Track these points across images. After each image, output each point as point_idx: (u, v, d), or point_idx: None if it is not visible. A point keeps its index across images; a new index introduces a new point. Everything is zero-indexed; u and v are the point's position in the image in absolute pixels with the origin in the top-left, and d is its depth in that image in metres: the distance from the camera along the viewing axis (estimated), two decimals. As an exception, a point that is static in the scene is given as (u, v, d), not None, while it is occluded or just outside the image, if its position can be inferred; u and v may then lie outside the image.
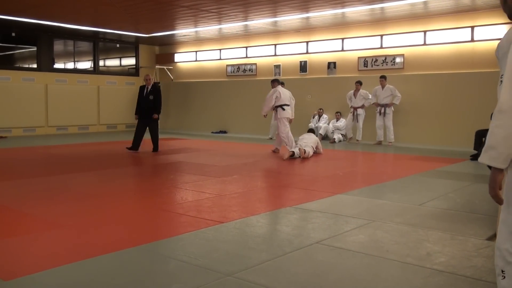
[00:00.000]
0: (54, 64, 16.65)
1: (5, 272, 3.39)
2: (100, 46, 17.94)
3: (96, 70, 17.63)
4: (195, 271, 3.41)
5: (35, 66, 16.25)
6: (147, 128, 11.14)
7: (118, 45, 18.70)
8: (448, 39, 12.25)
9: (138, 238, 4.26)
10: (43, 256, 3.79)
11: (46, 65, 16.30)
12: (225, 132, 17.04)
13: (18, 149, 11.63)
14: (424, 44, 12.66)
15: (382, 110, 12.63)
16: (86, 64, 17.85)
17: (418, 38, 12.75)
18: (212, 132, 17.22)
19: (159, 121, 11.43)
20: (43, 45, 16.30)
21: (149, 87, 11.07)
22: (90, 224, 4.79)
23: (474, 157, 9.47)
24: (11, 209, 5.38)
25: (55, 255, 3.81)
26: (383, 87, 12.62)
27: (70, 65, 17.44)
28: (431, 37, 12.52)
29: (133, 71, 19.01)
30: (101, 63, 18.09)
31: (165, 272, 3.44)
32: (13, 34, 15.21)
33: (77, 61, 17.76)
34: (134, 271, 3.44)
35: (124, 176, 7.83)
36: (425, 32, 12.59)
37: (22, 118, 15.45)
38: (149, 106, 10.99)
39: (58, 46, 17.16)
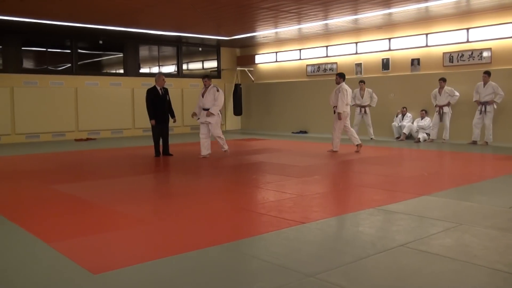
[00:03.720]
0: (140, 69, 17.35)
1: (94, 266, 3.57)
2: (183, 50, 18.48)
3: (179, 73, 18.18)
4: (276, 271, 3.43)
5: (122, 71, 17.02)
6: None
7: (200, 49, 19.16)
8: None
9: (221, 236, 4.34)
10: (130, 252, 3.95)
11: (132, 70, 17.03)
12: (305, 132, 17.01)
13: (106, 150, 12.22)
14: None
15: (483, 108, 12.00)
16: (170, 68, 18.44)
17: (506, 30, 12.07)
18: (293, 132, 17.24)
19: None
20: (129, 51, 17.04)
21: (162, 89, 10.37)
22: (174, 222, 4.95)
23: None
24: (101, 207, 5.66)
25: (141, 251, 3.97)
26: (485, 83, 11.90)
27: (155, 70, 18.09)
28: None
29: (215, 74, 19.40)
30: (184, 66, 18.64)
31: (247, 271, 3.49)
32: (101, 42, 15.98)
33: (162, 65, 18.39)
34: (217, 270, 3.51)
35: (207, 176, 8.02)
36: (515, 23, 11.93)
37: (110, 121, 16.26)
38: (165, 110, 10.39)
39: (143, 51, 17.86)
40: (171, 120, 10.48)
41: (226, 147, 10.63)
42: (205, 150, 10.23)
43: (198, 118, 10.32)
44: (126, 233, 4.57)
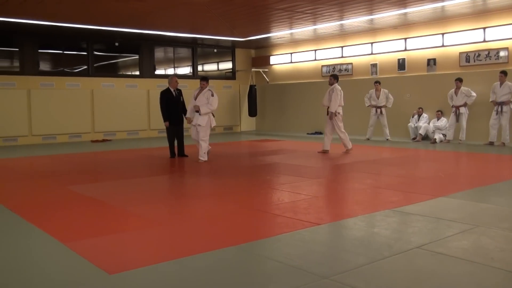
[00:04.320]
0: (155, 70, 17.44)
1: (110, 266, 3.60)
2: (198, 51, 18.55)
3: (195, 74, 18.24)
4: (291, 272, 3.42)
5: (137, 73, 17.12)
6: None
7: (215, 50, 19.21)
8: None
9: (236, 237, 4.35)
10: (145, 252, 3.98)
11: (148, 71, 17.13)
12: (320, 133, 16.95)
13: (122, 151, 12.31)
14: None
15: (499, 109, 11.84)
16: (186, 70, 18.51)
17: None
18: (308, 133, 17.20)
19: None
20: (145, 53, 17.14)
21: (175, 91, 10.35)
22: (189, 223, 4.97)
23: None
24: (116, 207, 5.71)
25: (156, 252, 3.99)
26: (501, 83, 11.75)
27: (170, 71, 18.16)
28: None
29: (230, 75, 19.44)
30: (199, 68, 18.70)
31: (262, 272, 3.49)
32: (117, 44, 16.10)
33: (177, 67, 18.47)
34: (231, 270, 3.52)
35: (222, 177, 8.03)
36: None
37: (125, 122, 16.36)
38: (179, 111, 10.38)
39: (158, 53, 17.95)
40: (185, 121, 10.50)
41: (204, 158, 9.79)
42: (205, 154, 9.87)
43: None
44: (141, 233, 4.59)
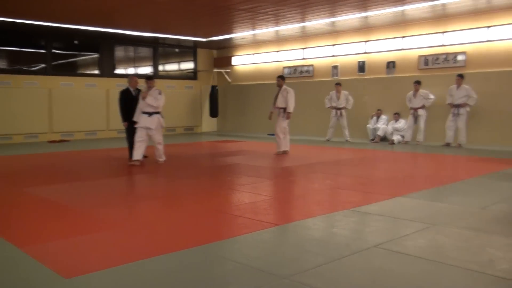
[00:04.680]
0: (115, 70, 17.18)
1: (66, 270, 3.51)
2: (160, 51, 18.37)
3: (156, 74, 18.05)
4: (251, 273, 3.42)
5: (97, 72, 16.83)
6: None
7: (177, 50, 19.07)
8: (513, 35, 11.75)
9: (196, 239, 4.31)
10: (103, 255, 3.90)
11: (107, 71, 16.85)
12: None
13: (80, 152, 12.07)
14: (488, 40, 12.18)
15: (456, 111, 12.13)
16: (146, 69, 18.30)
17: (481, 34, 12.26)
18: (269, 134, 17.23)
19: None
20: (105, 52, 16.86)
21: (135, 91, 9.97)
22: (149, 224, 4.90)
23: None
24: (73, 210, 5.58)
25: (115, 255, 3.92)
26: (458, 86, 12.07)
27: (130, 71, 17.92)
28: (495, 32, 12.02)
29: (192, 75, 19.33)
30: (160, 67, 18.52)
31: (222, 274, 3.47)
32: (76, 42, 15.78)
33: (137, 66, 18.23)
34: (191, 272, 3.48)
35: (182, 178, 7.96)
36: (488, 27, 12.11)
37: (84, 122, 16.03)
38: None
39: (119, 52, 17.69)
40: None
41: (163, 158, 9.71)
42: (139, 155, 9.51)
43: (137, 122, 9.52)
44: (99, 236, 4.50)
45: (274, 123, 11.35)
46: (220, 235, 4.51)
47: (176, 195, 6.56)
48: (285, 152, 11.05)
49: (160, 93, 9.54)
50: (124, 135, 10.66)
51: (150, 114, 9.41)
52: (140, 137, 9.45)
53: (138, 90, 10.19)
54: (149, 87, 9.54)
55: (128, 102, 9.94)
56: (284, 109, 11.02)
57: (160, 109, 9.56)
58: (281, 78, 11.15)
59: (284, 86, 11.02)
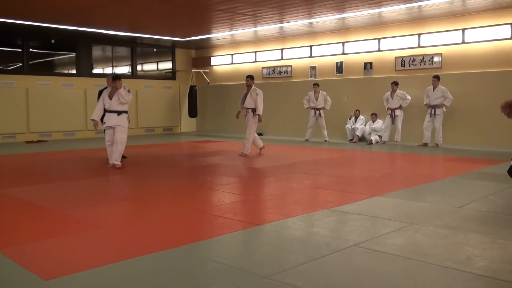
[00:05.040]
0: (92, 69, 17.02)
1: (46, 271, 3.48)
2: (138, 51, 18.26)
3: (134, 74, 17.95)
4: (232, 273, 3.43)
5: (74, 71, 16.65)
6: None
7: (155, 50, 18.97)
8: (487, 37, 11.95)
9: (176, 239, 4.31)
10: (83, 257, 3.87)
11: (85, 70, 16.68)
12: (260, 134, 17.02)
13: (58, 152, 11.93)
14: (463, 42, 12.39)
15: (433, 112, 12.30)
16: (124, 69, 18.17)
17: (456, 36, 12.47)
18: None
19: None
20: (82, 51, 16.69)
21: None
22: (128, 225, 4.88)
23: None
24: (53, 211, 5.52)
25: (95, 256, 3.88)
26: (434, 87, 12.23)
27: (108, 70, 17.77)
28: (470, 35, 12.24)
29: (170, 75, 19.25)
30: (138, 67, 18.41)
31: (202, 274, 3.47)
32: (53, 41, 15.59)
33: (115, 66, 18.09)
34: (172, 273, 3.48)
35: (162, 178, 7.93)
36: (463, 30, 12.32)
37: (62, 122, 15.85)
38: None
39: (96, 51, 17.53)
40: None
41: (119, 161, 9.08)
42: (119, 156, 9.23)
43: (104, 123, 9.20)
44: (79, 237, 4.46)
45: (244, 123, 11.20)
46: (201, 235, 4.51)
47: (156, 195, 6.53)
48: (261, 149, 11.24)
49: (129, 91, 9.31)
50: (102, 135, 10.57)
51: (119, 113, 9.14)
52: (108, 141, 9.22)
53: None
54: (117, 88, 9.13)
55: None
56: (253, 110, 10.90)
57: (127, 109, 9.30)
58: (250, 78, 11.05)
59: (254, 87, 10.93)
